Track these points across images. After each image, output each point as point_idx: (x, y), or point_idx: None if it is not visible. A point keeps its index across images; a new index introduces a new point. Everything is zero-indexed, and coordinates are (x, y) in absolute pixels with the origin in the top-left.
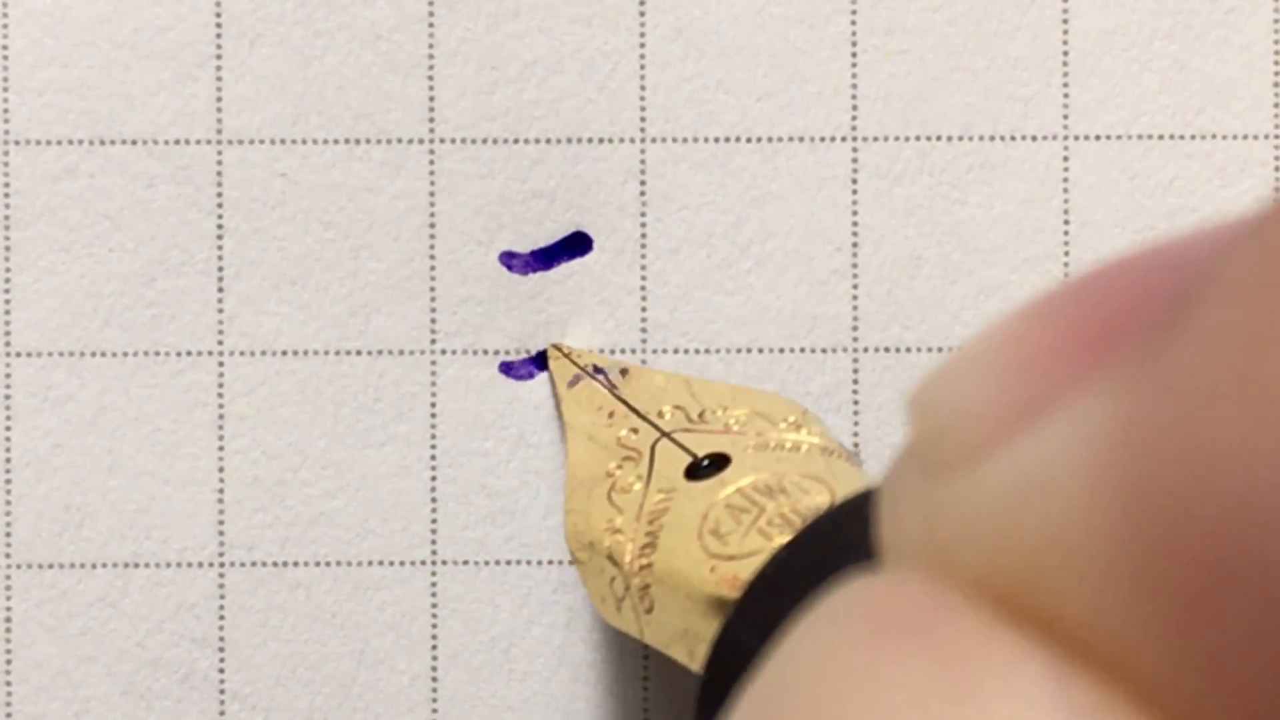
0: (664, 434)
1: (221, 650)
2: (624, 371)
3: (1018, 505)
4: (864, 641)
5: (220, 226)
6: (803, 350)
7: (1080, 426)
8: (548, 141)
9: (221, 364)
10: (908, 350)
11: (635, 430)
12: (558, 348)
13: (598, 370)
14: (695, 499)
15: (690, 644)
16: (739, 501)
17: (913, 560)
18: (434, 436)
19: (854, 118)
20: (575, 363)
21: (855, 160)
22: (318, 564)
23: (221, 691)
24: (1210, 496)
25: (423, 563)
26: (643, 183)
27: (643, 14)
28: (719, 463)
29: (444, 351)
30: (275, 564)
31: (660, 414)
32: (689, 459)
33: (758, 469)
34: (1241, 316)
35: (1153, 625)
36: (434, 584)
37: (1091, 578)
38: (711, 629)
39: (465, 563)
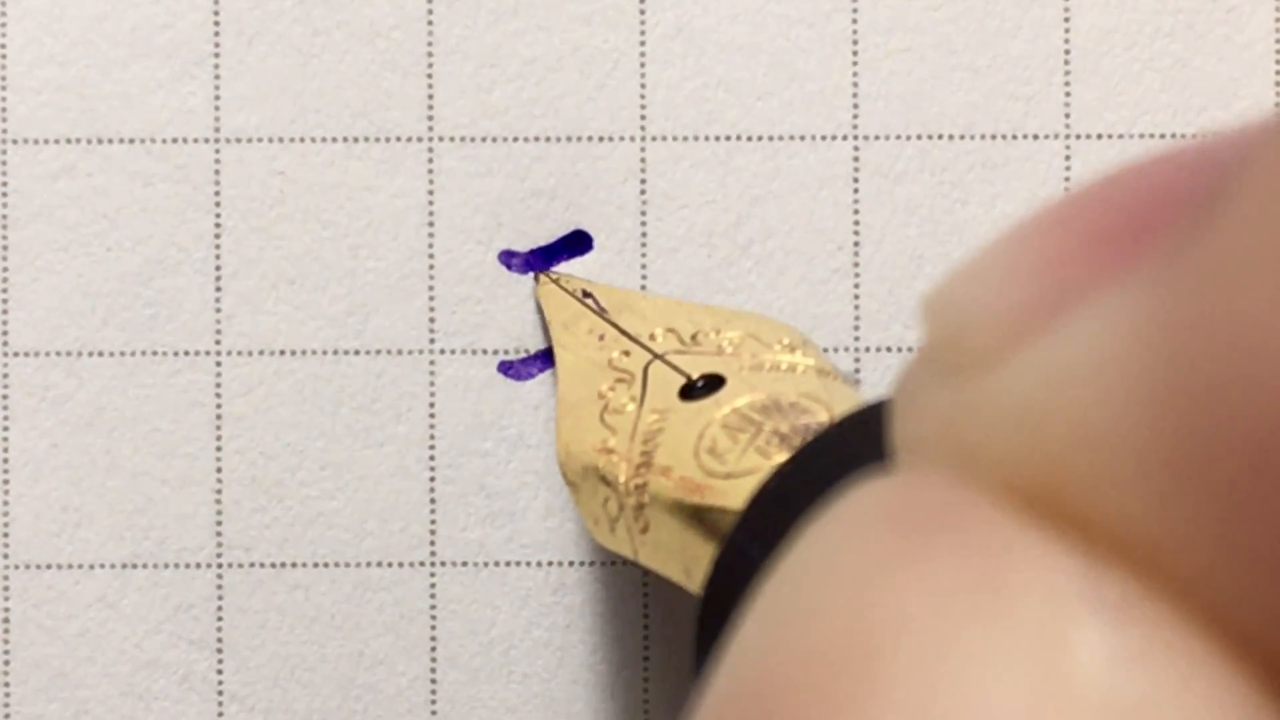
0: (656, 356)
1: (220, 651)
2: (613, 294)
3: (1044, 403)
4: (886, 540)
5: (218, 225)
6: None
7: (1107, 322)
8: (547, 140)
9: (219, 364)
10: (909, 350)
11: (627, 353)
12: (545, 274)
13: (586, 295)
14: (691, 419)
15: (687, 563)
16: (735, 421)
17: (932, 462)
18: (433, 437)
19: (855, 116)
20: (564, 288)
21: (856, 159)
22: (316, 565)
23: (220, 693)
24: (1249, 384)
25: (421, 564)
26: (643, 182)
27: (643, 12)
28: (713, 384)
29: (443, 351)
30: (274, 565)
31: (652, 336)
32: (683, 380)
33: (754, 389)
34: (1273, 204)
35: (1189, 520)
36: (433, 585)
37: (1124, 473)
38: (709, 547)
39: (464, 564)
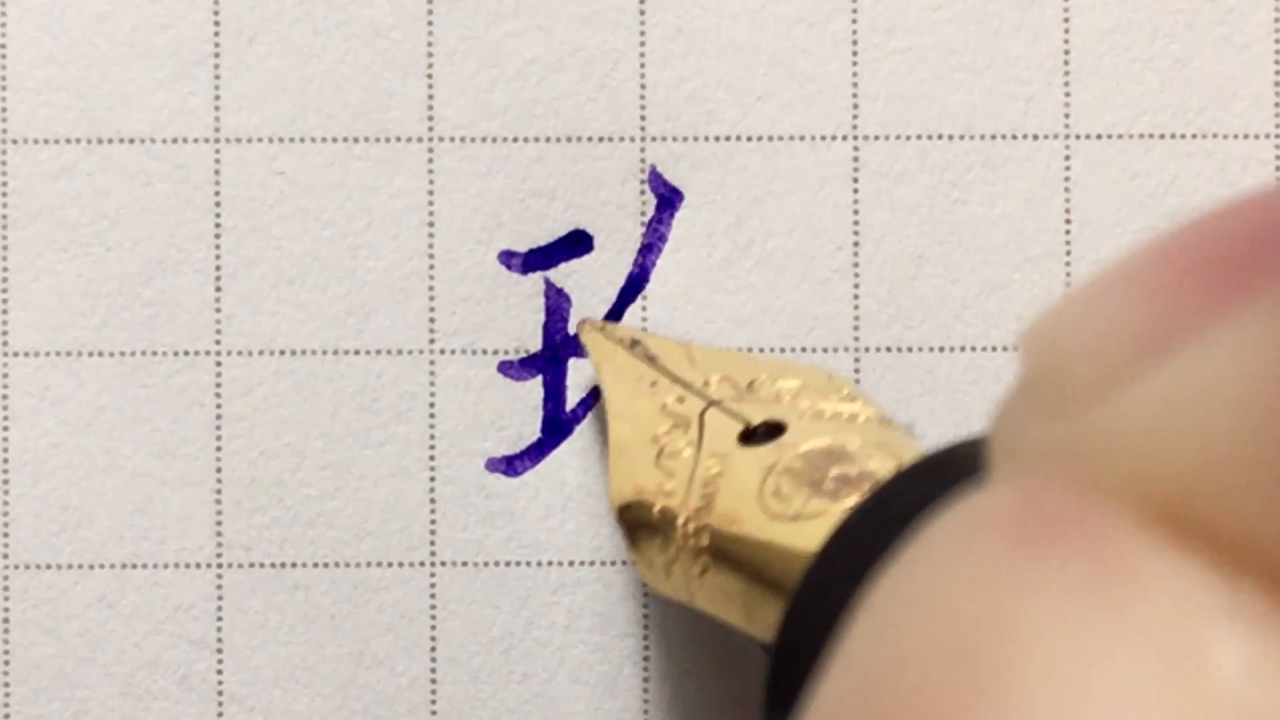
0: (712, 403)
1: (220, 651)
2: (662, 344)
3: (1173, 424)
4: (1004, 545)
5: (218, 225)
6: (803, 350)
7: (1232, 347)
8: (547, 140)
9: (219, 364)
10: (909, 350)
11: (681, 399)
12: (590, 322)
13: (634, 343)
14: (753, 463)
15: (749, 605)
16: (800, 466)
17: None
18: (433, 437)
19: (855, 116)
20: (609, 337)
21: (856, 159)
22: (316, 565)
23: (220, 693)
24: None
25: (421, 564)
26: (643, 182)
27: (643, 12)
28: (774, 431)
29: (443, 351)
30: (273, 565)
31: (706, 384)
32: (741, 426)
33: (817, 435)
34: None
35: None
36: (433, 585)
37: (1254, 488)
38: (773, 589)
39: (464, 564)
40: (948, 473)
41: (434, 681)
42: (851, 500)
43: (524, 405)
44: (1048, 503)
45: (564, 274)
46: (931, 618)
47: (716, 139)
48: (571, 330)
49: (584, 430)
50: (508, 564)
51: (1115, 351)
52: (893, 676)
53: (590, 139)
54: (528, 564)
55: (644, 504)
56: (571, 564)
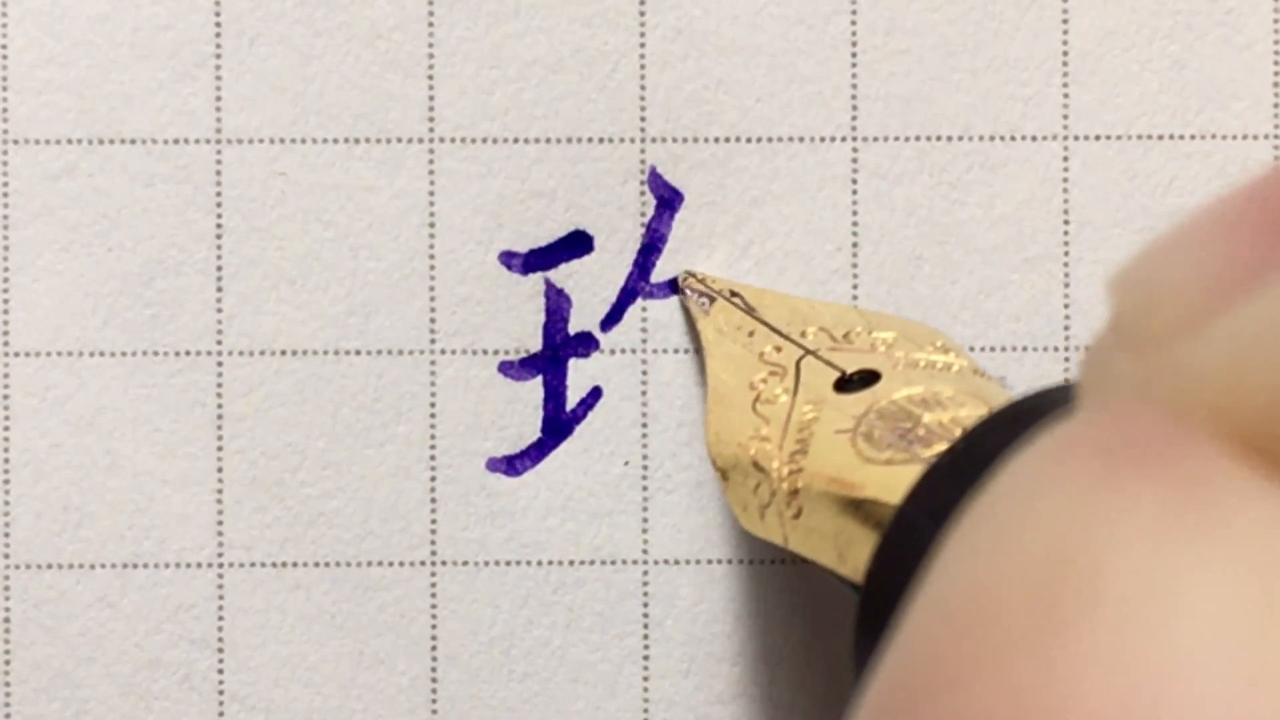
0: (809, 351)
1: (221, 651)
2: (761, 294)
3: (1255, 357)
4: (1094, 471)
5: (219, 226)
6: None
7: None
8: (548, 141)
9: (220, 364)
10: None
11: (778, 348)
12: (690, 274)
13: (733, 294)
14: (847, 409)
15: (841, 547)
16: (893, 411)
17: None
18: (433, 436)
19: (854, 118)
20: (710, 288)
21: (855, 160)
22: (317, 565)
23: (220, 692)
24: None
25: (422, 563)
26: (643, 183)
27: (643, 14)
28: (868, 379)
29: (443, 351)
30: (274, 565)
31: (803, 334)
32: (836, 374)
33: (910, 384)
34: None
35: None
36: (433, 585)
37: None
38: (864, 531)
39: (465, 563)
40: (1039, 415)
41: (434, 681)
42: (943, 445)
43: (524, 405)
44: (1138, 430)
45: (564, 274)
46: (1022, 535)
47: (716, 140)
48: (572, 330)
49: (584, 430)
50: (508, 564)
51: (1199, 291)
52: (984, 591)
53: (590, 140)
54: (528, 564)
55: (740, 449)
56: (571, 564)
